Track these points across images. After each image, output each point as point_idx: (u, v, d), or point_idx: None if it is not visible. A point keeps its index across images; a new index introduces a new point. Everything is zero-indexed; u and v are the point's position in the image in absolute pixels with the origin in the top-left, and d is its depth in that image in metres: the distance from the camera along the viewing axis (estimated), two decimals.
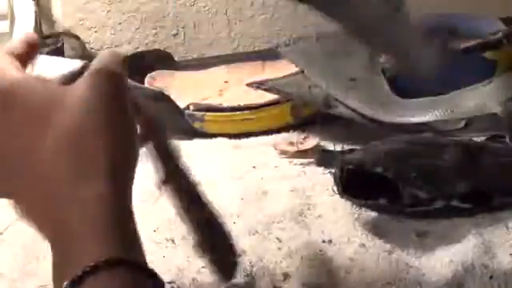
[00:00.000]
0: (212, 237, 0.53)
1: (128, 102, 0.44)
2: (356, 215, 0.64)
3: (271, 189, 0.68)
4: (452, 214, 0.63)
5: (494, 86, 0.74)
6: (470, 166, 0.63)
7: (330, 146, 0.76)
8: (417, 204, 0.62)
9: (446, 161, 0.63)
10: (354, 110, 0.77)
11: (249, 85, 0.82)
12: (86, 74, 0.44)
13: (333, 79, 0.79)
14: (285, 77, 0.82)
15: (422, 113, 0.75)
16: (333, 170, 0.66)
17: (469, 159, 0.64)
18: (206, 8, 1.11)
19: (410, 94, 0.78)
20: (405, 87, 0.79)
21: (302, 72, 0.81)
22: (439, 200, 0.62)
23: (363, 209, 0.64)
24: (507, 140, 0.69)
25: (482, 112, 0.72)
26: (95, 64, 0.44)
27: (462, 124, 0.75)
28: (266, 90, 0.81)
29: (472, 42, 0.82)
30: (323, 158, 0.74)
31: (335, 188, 0.64)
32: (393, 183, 0.61)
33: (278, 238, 0.61)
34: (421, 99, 0.76)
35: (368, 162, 0.62)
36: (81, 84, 0.43)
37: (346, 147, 0.72)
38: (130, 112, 0.44)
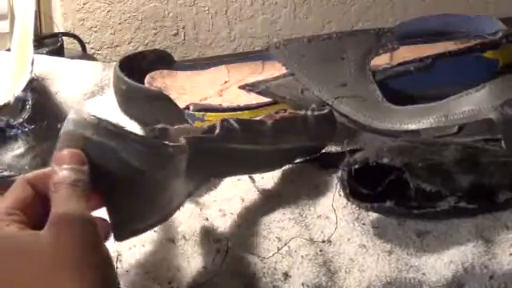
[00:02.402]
0: None
1: (99, 241, 0.42)
2: (356, 215, 0.64)
3: (271, 189, 0.68)
4: (454, 214, 0.63)
5: (487, 90, 0.73)
6: (471, 162, 0.63)
7: (330, 145, 0.76)
8: (423, 204, 0.62)
9: (447, 157, 0.63)
10: (346, 117, 0.76)
11: (241, 87, 0.82)
12: (48, 222, 0.41)
13: (324, 84, 0.78)
14: (277, 78, 0.82)
15: (415, 120, 0.74)
16: (334, 170, 0.66)
17: (469, 156, 0.64)
18: (206, 8, 1.11)
19: (403, 97, 0.77)
20: (398, 90, 0.79)
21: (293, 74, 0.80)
22: (444, 199, 0.62)
23: (363, 208, 0.64)
24: (502, 145, 0.69)
25: (476, 118, 0.71)
26: (56, 206, 0.42)
27: (455, 129, 0.75)
28: (258, 93, 0.80)
29: (472, 42, 0.82)
30: (323, 157, 0.74)
31: (341, 191, 0.63)
32: (400, 179, 0.61)
33: (278, 238, 0.61)
34: (414, 106, 0.75)
35: (373, 155, 0.62)
36: (45, 237, 0.41)
37: (346, 147, 0.72)
38: (103, 253, 0.42)
